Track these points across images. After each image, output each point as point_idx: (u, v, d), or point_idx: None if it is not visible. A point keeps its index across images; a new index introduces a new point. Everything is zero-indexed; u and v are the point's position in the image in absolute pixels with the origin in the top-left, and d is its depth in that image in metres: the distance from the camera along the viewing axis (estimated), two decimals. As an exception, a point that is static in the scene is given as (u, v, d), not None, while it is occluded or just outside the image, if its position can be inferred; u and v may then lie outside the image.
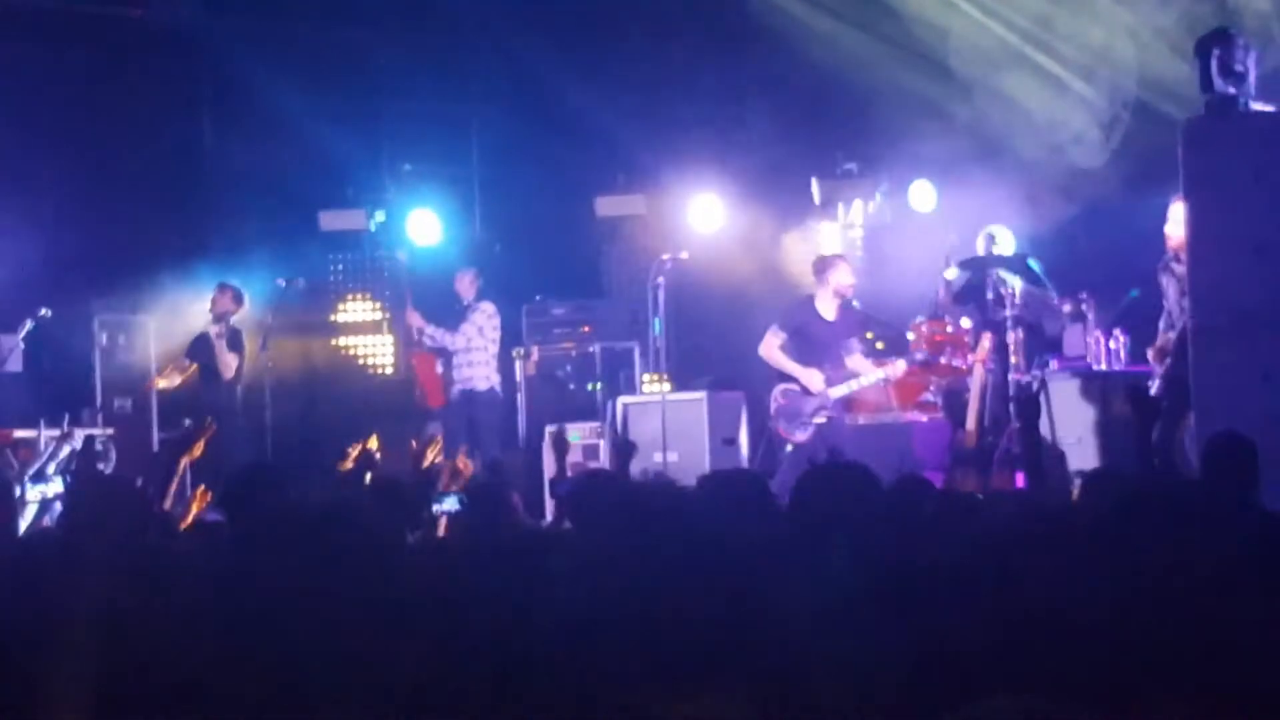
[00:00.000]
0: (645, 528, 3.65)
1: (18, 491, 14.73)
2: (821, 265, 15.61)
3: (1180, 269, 12.83)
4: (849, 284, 15.53)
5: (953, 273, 16.20)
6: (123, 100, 18.99)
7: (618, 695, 3.34)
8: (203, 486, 9.50)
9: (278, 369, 17.45)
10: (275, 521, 3.83)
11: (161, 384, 17.45)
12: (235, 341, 16.91)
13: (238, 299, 17.15)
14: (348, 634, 3.46)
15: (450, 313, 17.33)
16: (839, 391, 15.33)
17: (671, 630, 3.75)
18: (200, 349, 17.10)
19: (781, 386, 15.44)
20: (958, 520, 5.70)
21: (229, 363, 16.83)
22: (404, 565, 4.18)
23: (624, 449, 9.33)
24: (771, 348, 15.43)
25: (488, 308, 17.18)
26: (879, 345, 16.91)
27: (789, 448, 15.41)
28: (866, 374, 15.47)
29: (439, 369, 17.50)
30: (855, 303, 15.83)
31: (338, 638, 3.45)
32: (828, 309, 15.42)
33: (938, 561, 4.40)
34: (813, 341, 15.39)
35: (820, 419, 15.23)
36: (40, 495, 14.94)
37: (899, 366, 15.59)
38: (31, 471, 15.28)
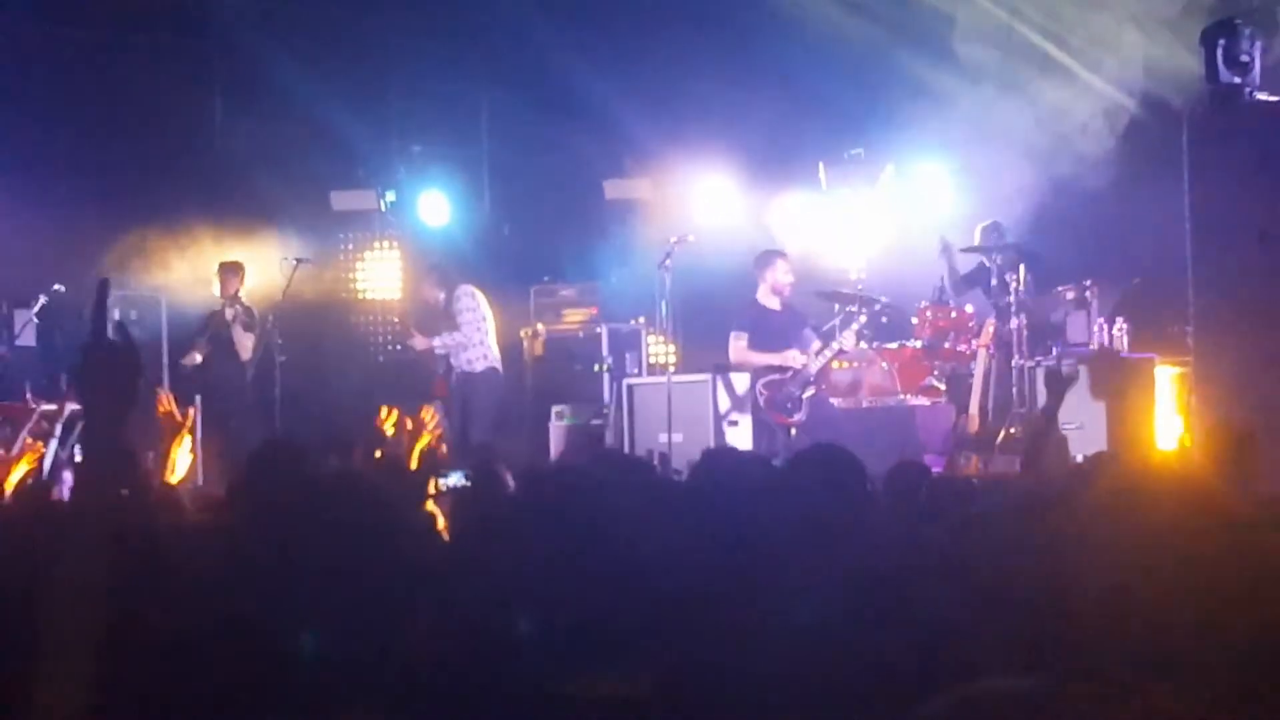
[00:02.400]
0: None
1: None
2: (760, 262, 15.83)
3: None
4: (787, 282, 15.71)
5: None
6: (135, 78, 19.04)
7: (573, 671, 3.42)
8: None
9: (287, 347, 17.52)
10: (286, 497, 3.89)
11: (198, 359, 17.34)
12: (250, 321, 16.97)
13: (239, 273, 17.18)
14: (354, 608, 3.52)
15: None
16: (818, 363, 15.46)
17: (666, 608, 3.84)
18: (214, 326, 17.15)
19: (763, 380, 15.57)
20: (954, 504, 5.79)
21: (245, 344, 16.91)
22: (413, 539, 4.25)
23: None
24: (741, 352, 15.63)
25: (468, 290, 17.02)
26: (884, 320, 16.93)
27: (792, 432, 15.52)
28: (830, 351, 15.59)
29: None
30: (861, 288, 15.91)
31: (344, 612, 3.52)
32: (773, 303, 15.67)
33: (932, 545, 4.48)
34: (771, 332, 15.59)
35: (809, 393, 15.37)
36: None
37: (859, 322, 15.68)
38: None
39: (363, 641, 3.49)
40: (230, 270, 17.17)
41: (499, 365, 17.02)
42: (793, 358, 15.40)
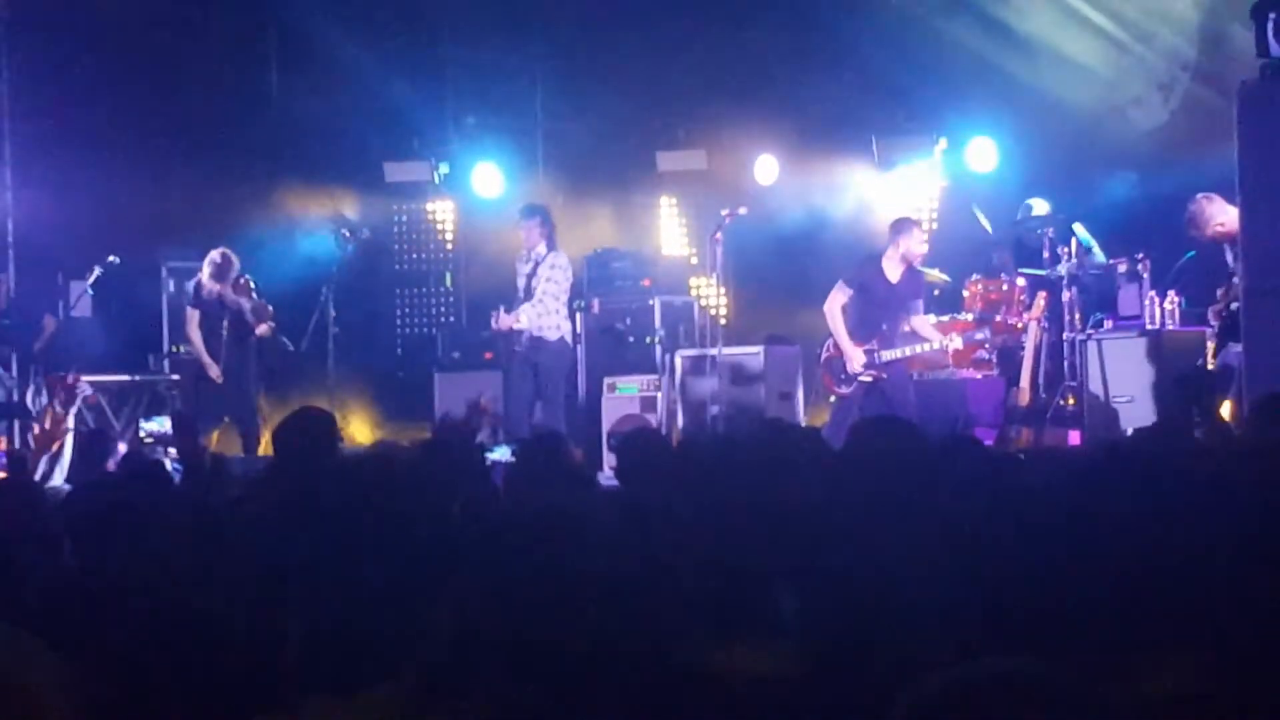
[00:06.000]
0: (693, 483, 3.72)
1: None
2: (896, 227, 15.51)
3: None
4: (920, 252, 15.48)
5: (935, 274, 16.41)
6: (191, 50, 19.13)
7: (663, 647, 3.44)
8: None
9: (341, 320, 17.53)
10: (325, 474, 3.94)
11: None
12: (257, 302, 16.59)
13: (228, 265, 16.68)
14: (390, 585, 3.56)
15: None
16: (890, 355, 15.36)
17: (724, 583, 3.89)
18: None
19: (830, 341, 15.54)
20: (1003, 478, 5.82)
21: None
22: (450, 518, 4.27)
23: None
24: (835, 305, 15.38)
25: (565, 260, 16.53)
26: (935, 293, 16.86)
27: (832, 398, 15.54)
28: (925, 340, 15.48)
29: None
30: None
31: (381, 589, 3.56)
32: (893, 271, 15.33)
33: (981, 518, 4.52)
34: (875, 301, 15.35)
35: (866, 378, 15.27)
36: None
37: (956, 341, 15.58)
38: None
39: (393, 614, 3.52)
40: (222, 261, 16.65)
41: (570, 339, 16.83)
42: (855, 359, 15.24)
